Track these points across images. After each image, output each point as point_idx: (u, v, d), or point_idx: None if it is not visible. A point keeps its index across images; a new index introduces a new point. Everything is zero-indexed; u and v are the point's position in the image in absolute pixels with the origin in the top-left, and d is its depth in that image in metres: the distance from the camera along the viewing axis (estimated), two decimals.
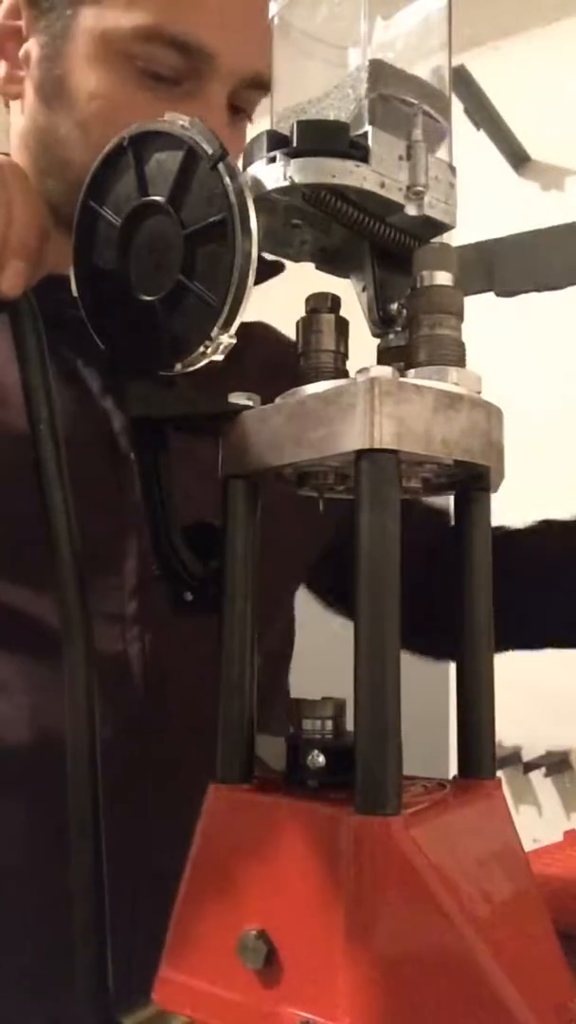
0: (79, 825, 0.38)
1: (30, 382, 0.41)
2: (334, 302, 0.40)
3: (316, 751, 0.35)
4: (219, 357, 0.37)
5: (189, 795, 0.66)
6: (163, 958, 0.36)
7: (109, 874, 0.42)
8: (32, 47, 0.66)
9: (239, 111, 0.66)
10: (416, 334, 0.37)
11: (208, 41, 0.61)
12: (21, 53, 0.66)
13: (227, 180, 0.37)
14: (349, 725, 0.34)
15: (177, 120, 0.38)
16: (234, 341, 0.37)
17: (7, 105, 0.70)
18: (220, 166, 0.37)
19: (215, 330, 0.36)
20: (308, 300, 0.40)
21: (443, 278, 0.37)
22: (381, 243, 0.39)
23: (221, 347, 0.37)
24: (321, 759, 0.35)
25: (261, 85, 0.65)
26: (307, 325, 0.40)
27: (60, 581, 0.40)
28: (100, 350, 0.41)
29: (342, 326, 0.40)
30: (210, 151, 0.37)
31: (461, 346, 0.37)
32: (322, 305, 0.40)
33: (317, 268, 0.43)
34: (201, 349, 0.37)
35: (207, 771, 0.67)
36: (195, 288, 0.37)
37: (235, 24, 0.61)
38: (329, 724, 0.37)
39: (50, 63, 0.64)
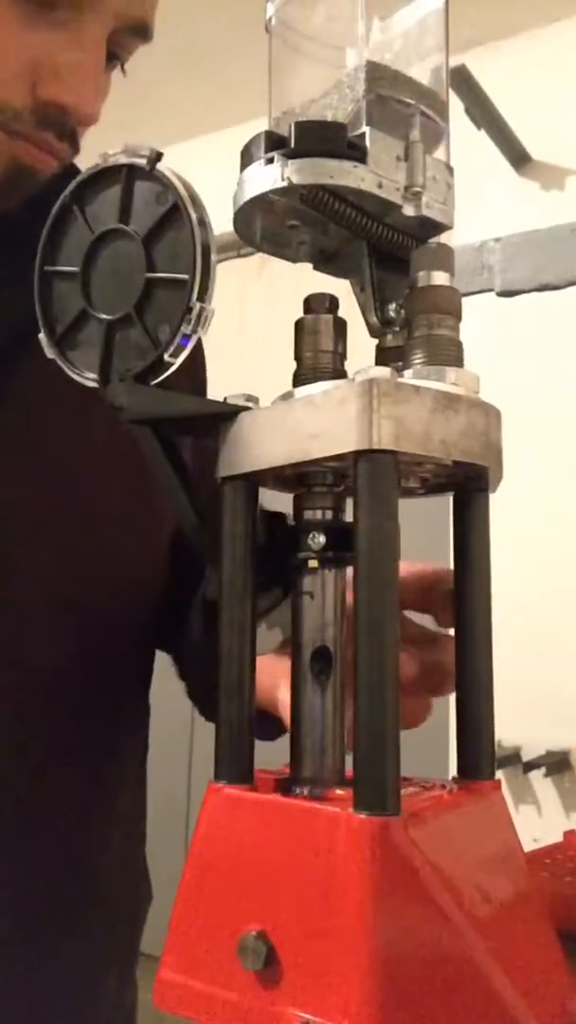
0: None
1: None
2: (332, 303, 0.40)
3: (316, 532, 0.38)
4: (204, 332, 0.37)
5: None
6: (162, 959, 0.36)
7: None
8: None
9: (113, 57, 0.61)
10: (414, 334, 0.37)
11: None
12: None
13: (168, 174, 0.37)
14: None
15: (106, 154, 0.40)
16: (214, 309, 0.37)
17: None
18: (158, 166, 0.38)
19: (192, 302, 0.37)
20: (306, 301, 0.40)
21: (441, 278, 0.37)
22: (379, 244, 0.39)
23: (203, 318, 0.37)
24: (322, 538, 0.38)
25: (143, 34, 0.60)
26: (305, 326, 0.40)
27: None
28: None
29: (340, 327, 0.40)
30: (146, 157, 0.38)
31: (459, 346, 0.37)
32: (320, 306, 0.40)
33: (315, 269, 0.43)
34: (184, 327, 0.37)
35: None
36: (163, 276, 0.38)
37: None
38: (329, 513, 0.39)
39: None
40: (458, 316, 0.37)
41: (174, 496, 0.40)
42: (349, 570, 0.36)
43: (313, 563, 0.39)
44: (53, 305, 0.42)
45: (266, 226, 0.39)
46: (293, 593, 0.39)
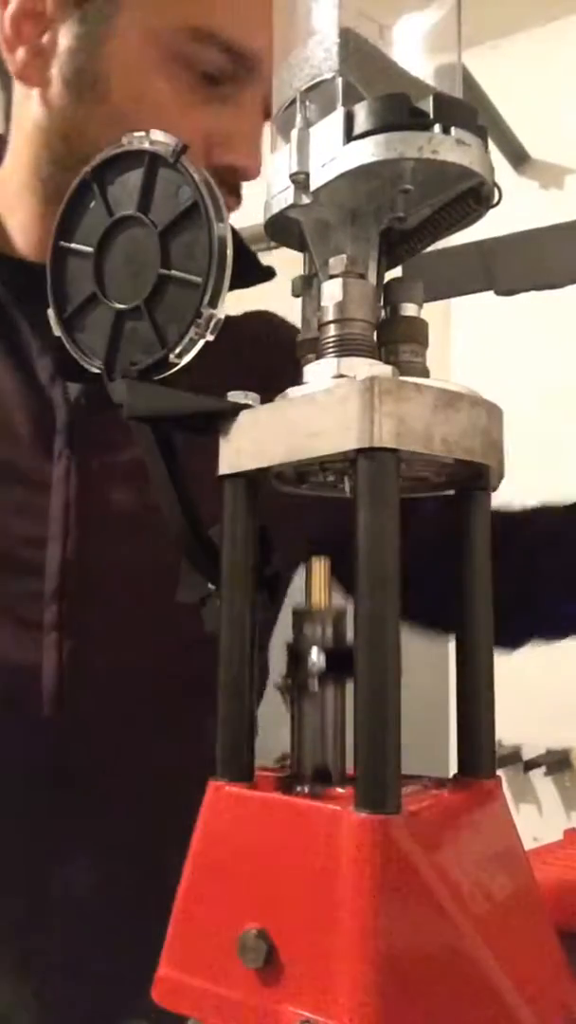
0: None
1: None
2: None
3: (316, 650, 0.37)
4: (211, 336, 0.37)
5: (104, 805, 0.67)
6: (162, 956, 0.36)
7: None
8: (63, 35, 0.64)
9: (268, 115, 0.65)
10: (396, 359, 0.38)
11: (254, 46, 0.62)
12: (46, 39, 0.64)
13: (191, 169, 0.37)
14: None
15: (131, 137, 0.40)
16: (223, 316, 0.37)
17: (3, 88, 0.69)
18: (183, 159, 0.38)
19: (203, 306, 0.37)
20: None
21: (413, 310, 0.39)
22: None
23: (212, 324, 0.37)
24: (322, 661, 0.37)
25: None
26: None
27: None
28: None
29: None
30: (171, 148, 0.38)
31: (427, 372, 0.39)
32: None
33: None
34: (193, 330, 0.37)
35: (126, 778, 0.67)
36: (176, 275, 0.38)
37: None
38: (329, 630, 0.38)
39: (85, 55, 0.63)
40: (426, 343, 0.39)
41: (164, 497, 0.40)
42: None
43: (313, 684, 0.37)
44: (64, 283, 0.42)
45: (370, 191, 0.38)
46: (291, 713, 0.38)
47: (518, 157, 2.12)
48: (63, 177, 0.65)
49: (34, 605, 0.64)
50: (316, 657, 0.37)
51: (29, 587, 0.64)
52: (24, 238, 0.71)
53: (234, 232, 0.70)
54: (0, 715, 0.64)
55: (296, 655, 0.38)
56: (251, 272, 0.72)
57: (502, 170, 2.23)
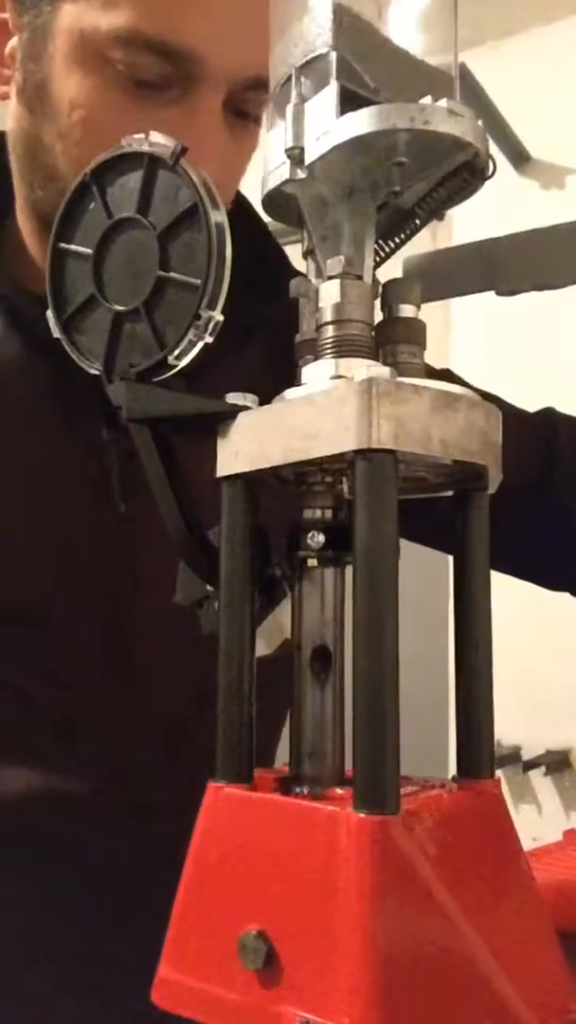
0: None
1: None
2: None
3: (316, 531, 0.38)
4: (210, 338, 0.37)
5: (158, 847, 0.67)
6: (162, 957, 0.36)
7: None
8: (16, 44, 0.61)
9: (244, 115, 0.61)
10: (394, 360, 0.38)
11: (195, 44, 0.55)
12: (7, 50, 0.62)
13: (190, 171, 0.38)
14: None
15: (130, 138, 0.40)
16: (222, 318, 0.37)
17: None
18: (182, 161, 0.38)
19: (202, 308, 0.37)
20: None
21: (411, 311, 0.39)
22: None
23: (211, 326, 0.37)
24: (321, 537, 0.38)
25: (264, 87, 0.59)
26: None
27: None
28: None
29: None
30: (170, 150, 0.38)
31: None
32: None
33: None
34: (192, 332, 0.37)
35: (180, 822, 0.67)
36: (175, 277, 0.38)
37: (226, 24, 0.56)
38: (329, 513, 0.39)
39: (32, 64, 0.59)
40: (424, 344, 0.39)
41: (163, 499, 0.40)
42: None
43: (312, 562, 0.39)
44: (64, 284, 0.42)
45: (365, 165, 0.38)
46: (292, 592, 0.39)
47: (518, 157, 2.12)
48: (39, 195, 0.62)
49: (88, 657, 0.65)
50: (315, 534, 0.38)
51: (82, 640, 0.65)
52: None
53: (270, 237, 0.68)
54: (57, 757, 0.65)
55: (295, 536, 0.39)
56: (274, 284, 0.68)
57: (502, 170, 2.24)
